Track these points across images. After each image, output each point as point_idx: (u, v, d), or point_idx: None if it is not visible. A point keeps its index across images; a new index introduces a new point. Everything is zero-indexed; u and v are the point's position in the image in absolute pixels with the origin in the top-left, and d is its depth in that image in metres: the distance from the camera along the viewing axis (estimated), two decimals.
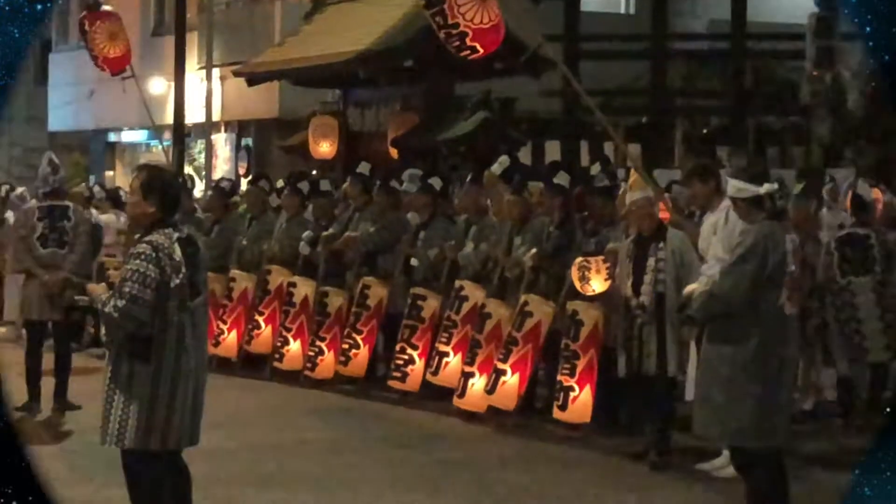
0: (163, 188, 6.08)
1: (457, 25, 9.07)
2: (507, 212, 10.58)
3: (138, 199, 6.08)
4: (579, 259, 9.28)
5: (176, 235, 5.99)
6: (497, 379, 9.94)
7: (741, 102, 21.21)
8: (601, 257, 9.17)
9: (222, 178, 16.91)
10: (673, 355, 8.72)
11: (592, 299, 9.39)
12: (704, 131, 22.44)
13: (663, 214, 9.03)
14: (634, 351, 8.84)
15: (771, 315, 6.23)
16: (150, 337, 5.88)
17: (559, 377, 9.60)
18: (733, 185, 6.46)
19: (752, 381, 6.22)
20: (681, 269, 8.70)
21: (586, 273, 9.20)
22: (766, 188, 6.40)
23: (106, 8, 14.05)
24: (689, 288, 6.96)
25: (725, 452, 8.15)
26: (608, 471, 8.68)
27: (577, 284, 9.30)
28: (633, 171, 9.33)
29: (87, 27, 13.59)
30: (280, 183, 13.35)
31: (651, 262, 8.81)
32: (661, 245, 8.81)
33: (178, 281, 5.90)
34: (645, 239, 8.92)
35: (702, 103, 23.72)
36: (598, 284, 9.18)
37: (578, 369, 9.49)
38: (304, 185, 12.69)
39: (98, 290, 6.19)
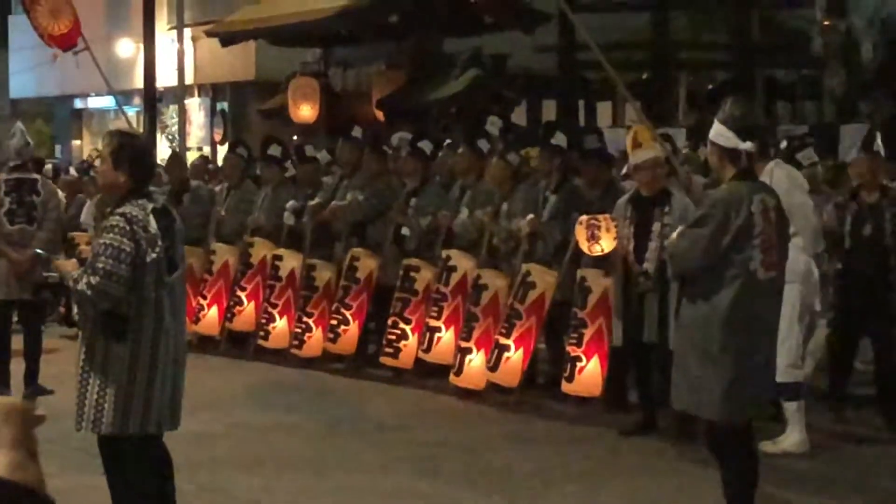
0: (135, 156, 6.02)
1: None
2: (492, 175, 10.57)
3: (108, 168, 6.03)
4: (586, 218, 9.20)
5: (150, 206, 5.95)
6: (500, 355, 9.92)
7: (748, 55, 21.14)
8: (609, 215, 9.10)
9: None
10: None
11: (598, 263, 9.35)
12: (710, 87, 22.38)
13: None
14: (632, 319, 8.87)
15: (739, 280, 6.20)
16: (126, 315, 5.85)
17: (567, 348, 9.61)
18: (716, 129, 6.38)
19: (723, 347, 6.18)
20: None
21: (596, 232, 9.11)
22: (747, 146, 6.32)
23: None
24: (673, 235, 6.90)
25: (788, 429, 8.29)
26: (617, 450, 8.67)
27: (585, 245, 9.20)
28: (636, 128, 9.27)
29: (27, 3, 13.16)
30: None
31: (657, 227, 8.77)
32: (667, 209, 8.78)
33: (154, 255, 5.86)
34: (646, 200, 8.90)
35: (706, 57, 23.67)
36: (606, 244, 9.10)
37: (585, 338, 9.46)
38: (276, 150, 12.60)
39: (69, 266, 6.14)
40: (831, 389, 9.43)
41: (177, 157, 13.45)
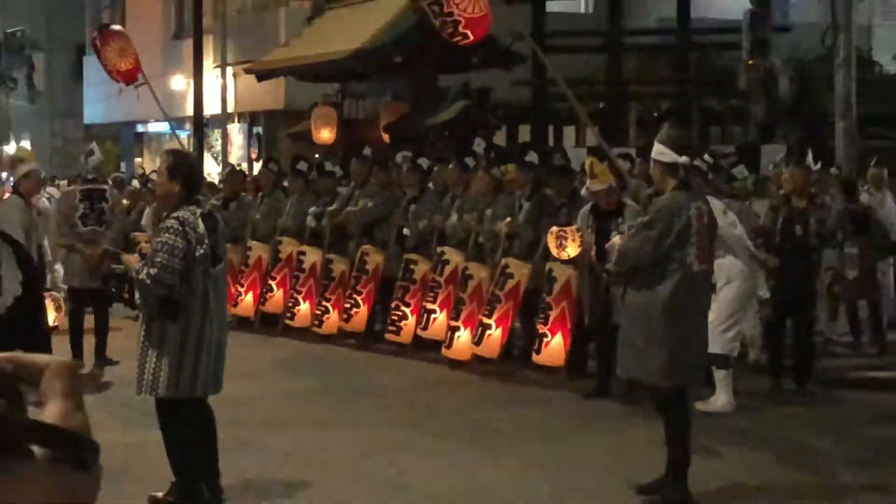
0: (187, 170, 6.05)
1: (451, 14, 9.04)
2: (477, 186, 10.58)
3: (165, 180, 6.05)
4: (555, 229, 9.18)
5: (199, 211, 5.96)
6: (483, 332, 9.93)
7: (687, 89, 21.15)
8: (574, 227, 9.09)
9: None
10: None
11: (566, 262, 9.37)
12: (655, 114, 22.36)
13: None
14: (600, 306, 8.88)
15: (678, 271, 6.22)
16: (179, 300, 5.86)
17: (537, 326, 9.61)
18: (657, 149, 6.37)
19: (665, 327, 6.21)
20: None
21: (563, 242, 9.12)
22: (683, 159, 6.33)
23: (114, 28, 13.73)
24: (613, 240, 6.93)
25: (717, 392, 8.27)
26: (581, 410, 8.69)
27: (554, 251, 9.19)
28: (591, 159, 9.20)
29: (98, 46, 13.35)
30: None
31: (614, 235, 8.78)
32: (621, 220, 8.79)
33: (201, 251, 5.87)
34: (604, 211, 8.91)
35: (652, 90, 23.63)
36: (572, 250, 9.13)
37: (551, 318, 9.49)
38: (302, 166, 12.64)
39: (133, 259, 6.18)
40: (770, 363, 9.40)
41: (234, 172, 13.49)
